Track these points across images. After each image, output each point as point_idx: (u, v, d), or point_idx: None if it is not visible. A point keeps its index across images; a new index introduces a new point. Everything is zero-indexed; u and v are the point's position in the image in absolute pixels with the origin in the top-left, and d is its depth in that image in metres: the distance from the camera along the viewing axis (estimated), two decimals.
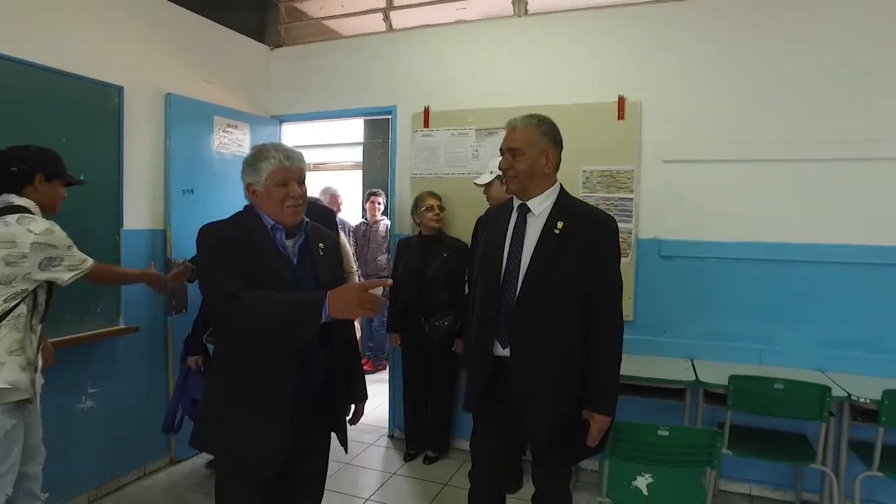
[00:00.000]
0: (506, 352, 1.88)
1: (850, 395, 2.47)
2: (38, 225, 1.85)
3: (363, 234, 5.16)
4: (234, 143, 3.50)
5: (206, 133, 3.34)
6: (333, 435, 1.84)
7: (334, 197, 4.74)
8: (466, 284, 3.13)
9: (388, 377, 3.87)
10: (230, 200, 3.09)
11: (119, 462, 2.98)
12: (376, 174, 5.66)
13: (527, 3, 3.42)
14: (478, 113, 3.47)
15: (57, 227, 1.90)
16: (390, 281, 2.21)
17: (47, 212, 1.99)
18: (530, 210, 1.90)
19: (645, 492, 2.15)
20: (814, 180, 2.88)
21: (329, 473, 1.92)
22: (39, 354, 1.98)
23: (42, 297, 1.95)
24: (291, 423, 1.57)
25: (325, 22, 3.91)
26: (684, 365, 2.93)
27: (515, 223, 1.91)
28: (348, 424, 1.86)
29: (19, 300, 1.84)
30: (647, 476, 2.21)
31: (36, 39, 2.50)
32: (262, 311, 1.48)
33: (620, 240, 3.29)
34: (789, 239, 2.91)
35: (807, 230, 2.89)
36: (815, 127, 2.88)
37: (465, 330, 2.16)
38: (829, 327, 2.86)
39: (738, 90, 3.01)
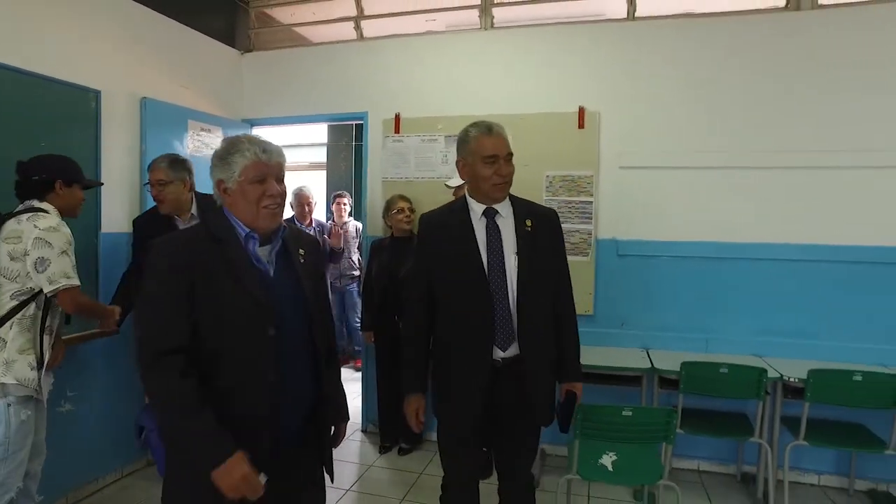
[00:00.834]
0: (506, 353, 1.88)
1: (782, 375, 2.80)
2: (46, 221, 1.90)
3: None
4: (207, 146, 3.54)
5: (181, 137, 3.38)
6: None
7: (306, 198, 4.56)
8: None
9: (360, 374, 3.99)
10: None
11: (97, 464, 3.00)
12: (340, 176, 5.76)
13: (493, 17, 3.63)
14: (447, 120, 3.65)
15: (64, 228, 1.95)
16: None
17: (68, 215, 2.07)
18: (498, 213, 1.90)
19: (610, 468, 2.39)
20: (752, 185, 3.22)
21: None
22: (48, 353, 2.01)
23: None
24: (272, 467, 1.36)
25: (296, 28, 4.00)
26: (640, 354, 3.21)
27: (487, 228, 1.89)
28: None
29: (27, 297, 1.88)
30: (611, 454, 2.44)
31: (15, 44, 2.51)
32: (162, 402, 1.31)
33: (581, 240, 3.57)
34: (730, 238, 3.24)
35: (745, 230, 3.22)
36: (753, 137, 3.22)
37: (411, 342, 2.01)
38: (764, 317, 3.21)
39: (687, 103, 3.31)
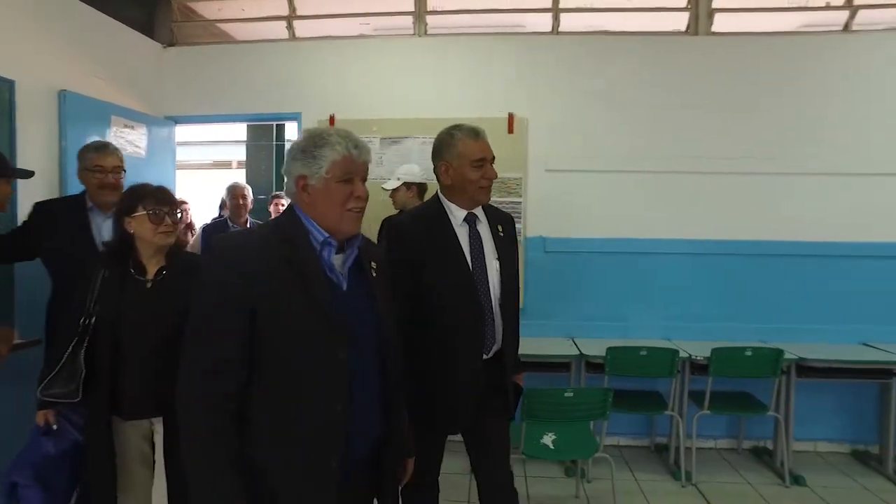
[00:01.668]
0: (488, 354, 1.90)
1: (690, 355, 3.20)
2: None
3: None
4: (130, 144, 3.36)
5: (103, 133, 3.17)
6: None
7: (241, 191, 3.99)
8: None
9: None
10: None
11: None
12: (261, 175, 5.62)
13: (426, 24, 3.77)
14: (382, 122, 3.73)
15: None
16: None
17: None
18: (478, 218, 1.92)
19: (551, 446, 2.62)
20: (660, 187, 3.63)
21: None
22: None
23: None
24: None
25: (222, 25, 3.89)
26: (567, 343, 3.50)
27: (471, 234, 1.89)
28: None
29: None
30: (551, 434, 2.67)
31: None
32: (200, 447, 1.14)
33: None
34: (644, 235, 3.63)
35: (657, 228, 3.63)
36: (659, 145, 3.62)
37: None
38: (673, 305, 3.63)
39: (603, 112, 3.65)
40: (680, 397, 3.32)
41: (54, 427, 1.83)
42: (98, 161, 2.39)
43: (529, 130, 3.70)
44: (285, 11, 3.77)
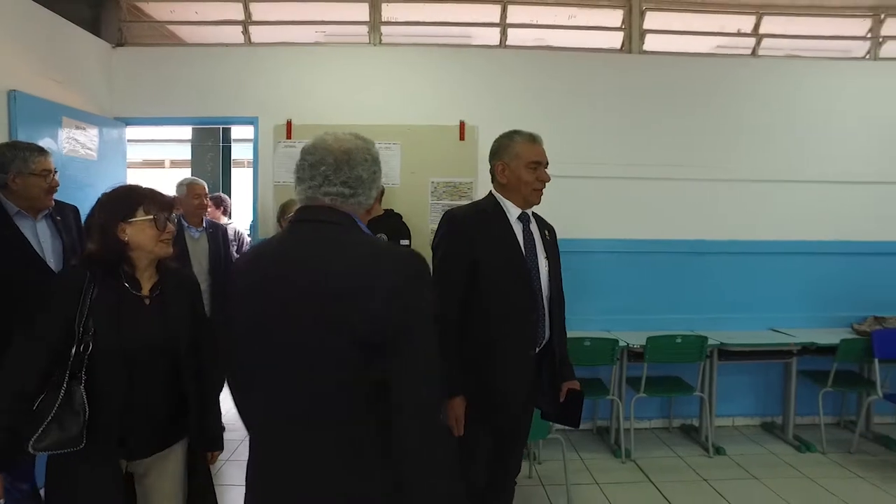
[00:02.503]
0: (539, 346, 1.99)
1: (628, 344, 3.55)
2: None
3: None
4: (82, 146, 3.30)
5: (55, 135, 3.11)
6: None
7: (204, 192, 3.49)
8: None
9: None
10: (83, 209, 2.96)
11: None
12: (207, 176, 5.54)
13: (381, 34, 3.91)
14: (338, 128, 3.76)
15: None
16: None
17: None
18: (530, 218, 2.06)
19: None
20: (598, 191, 3.96)
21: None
22: None
23: None
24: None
25: (172, 27, 3.86)
26: None
27: (524, 232, 2.01)
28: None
29: None
30: None
31: None
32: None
33: None
34: (583, 235, 3.93)
35: (594, 228, 3.95)
36: (600, 152, 3.94)
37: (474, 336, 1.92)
38: (610, 299, 3.97)
39: (545, 121, 3.85)
40: (619, 383, 3.67)
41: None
42: (46, 164, 2.26)
43: (479, 137, 3.92)
44: (241, 16, 3.80)
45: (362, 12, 3.88)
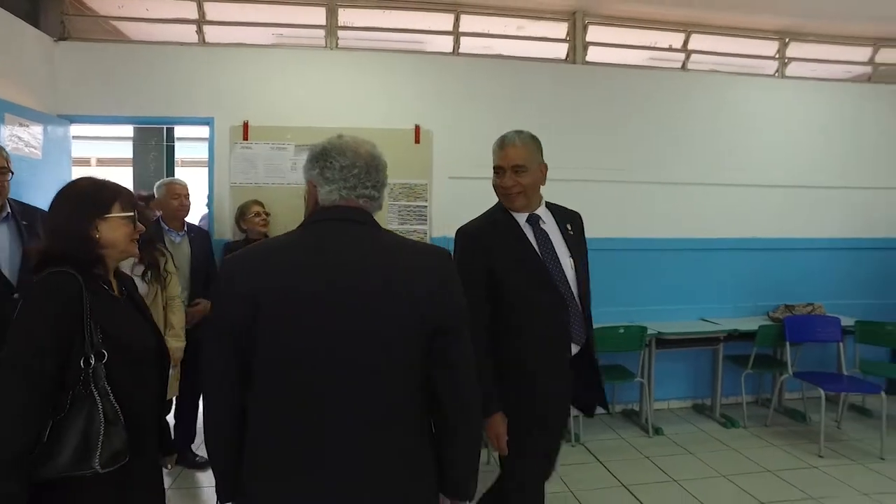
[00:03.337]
0: (579, 347, 1.94)
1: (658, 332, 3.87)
2: None
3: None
4: (26, 144, 3.16)
5: None
6: None
7: (186, 193, 3.31)
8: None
9: None
10: None
11: None
12: (150, 175, 5.36)
13: (338, 38, 3.97)
14: (296, 130, 3.88)
15: None
16: None
17: None
18: (541, 218, 1.97)
19: None
20: (543, 192, 4.19)
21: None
22: None
23: None
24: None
25: (117, 23, 3.74)
26: None
27: (536, 234, 1.94)
28: None
29: None
30: None
31: None
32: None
33: (418, 238, 4.19)
34: None
35: None
36: (547, 156, 4.18)
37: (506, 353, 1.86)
38: None
39: (496, 127, 4.05)
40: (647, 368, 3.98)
41: None
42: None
43: (434, 141, 4.07)
44: (195, 15, 3.74)
45: (319, 16, 3.92)
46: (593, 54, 4.34)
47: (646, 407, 4.00)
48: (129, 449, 1.34)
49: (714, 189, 4.45)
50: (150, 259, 2.64)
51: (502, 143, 1.96)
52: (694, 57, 4.51)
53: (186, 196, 3.28)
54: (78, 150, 7.06)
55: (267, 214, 3.65)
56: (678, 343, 4.02)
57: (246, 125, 3.80)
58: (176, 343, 2.71)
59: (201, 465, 3.25)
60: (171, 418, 3.11)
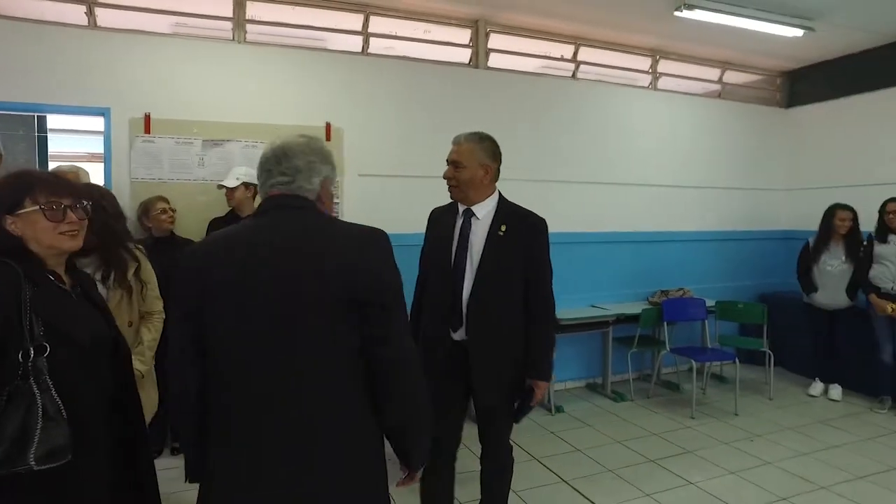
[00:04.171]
0: (458, 336, 2.10)
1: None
2: None
3: None
4: None
5: None
6: None
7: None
8: None
9: None
10: None
11: None
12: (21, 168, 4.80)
13: (245, 32, 3.88)
14: (203, 124, 3.73)
15: None
16: None
17: None
18: (474, 214, 2.13)
19: None
20: (441, 190, 4.41)
21: None
22: None
23: None
24: None
25: None
26: None
27: (461, 225, 2.13)
28: None
29: None
30: None
31: None
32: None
33: None
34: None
35: None
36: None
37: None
38: None
39: (405, 127, 4.28)
40: None
41: None
42: None
43: (345, 139, 4.12)
44: None
45: (226, 8, 3.81)
46: (494, 60, 4.63)
47: (549, 388, 4.36)
48: (71, 446, 1.29)
49: (599, 187, 4.95)
50: (108, 257, 2.11)
51: (454, 141, 2.18)
52: (583, 67, 4.96)
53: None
54: None
55: (173, 211, 3.49)
56: (575, 328, 4.43)
57: (148, 117, 3.59)
58: (138, 365, 2.08)
59: None
60: None
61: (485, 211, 2.15)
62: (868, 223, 4.45)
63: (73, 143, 6.66)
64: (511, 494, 2.98)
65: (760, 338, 4.74)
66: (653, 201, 5.18)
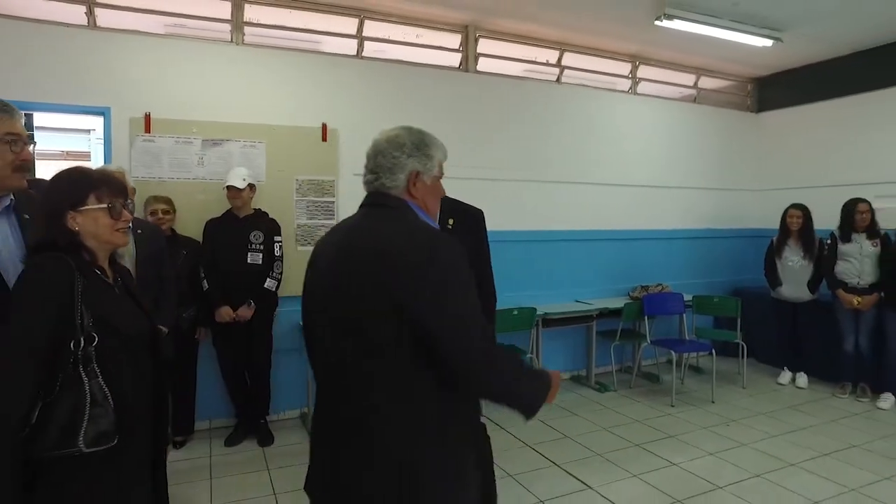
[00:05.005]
0: None
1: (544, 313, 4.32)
2: None
3: None
4: None
5: None
6: None
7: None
8: (204, 280, 3.54)
9: None
10: None
11: None
12: None
13: (244, 34, 3.96)
14: (202, 124, 3.80)
15: None
16: None
17: None
18: None
19: None
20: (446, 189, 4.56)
21: None
22: None
23: None
24: None
25: None
26: None
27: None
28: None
29: None
30: None
31: None
32: (511, 373, 1.37)
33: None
34: None
35: None
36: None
37: None
38: None
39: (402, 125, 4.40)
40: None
41: None
42: (10, 126, 1.54)
43: (340, 139, 4.24)
44: None
45: (224, 11, 3.88)
46: (483, 64, 4.80)
47: None
48: (117, 431, 1.37)
49: (582, 187, 5.16)
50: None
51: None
52: (567, 72, 5.17)
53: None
54: None
55: (165, 212, 3.49)
56: (561, 322, 4.63)
57: (148, 117, 3.65)
58: None
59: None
60: None
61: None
62: (827, 222, 4.75)
63: (52, 141, 6.60)
64: (508, 478, 3.19)
65: (734, 330, 5.02)
66: (632, 201, 5.43)
